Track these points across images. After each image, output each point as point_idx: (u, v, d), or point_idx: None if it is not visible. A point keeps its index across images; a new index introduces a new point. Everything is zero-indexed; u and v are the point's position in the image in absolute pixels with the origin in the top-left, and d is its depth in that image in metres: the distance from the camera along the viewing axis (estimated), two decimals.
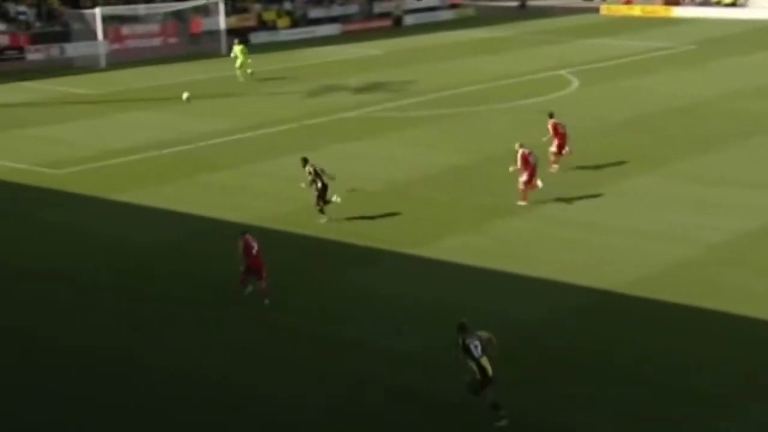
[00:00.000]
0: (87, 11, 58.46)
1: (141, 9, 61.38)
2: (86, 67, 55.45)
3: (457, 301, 22.69)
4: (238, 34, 63.85)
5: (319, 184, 28.62)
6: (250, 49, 62.12)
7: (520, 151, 29.34)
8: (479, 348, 17.47)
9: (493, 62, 56.80)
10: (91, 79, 52.45)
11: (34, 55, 57.70)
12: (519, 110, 43.07)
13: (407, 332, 21.30)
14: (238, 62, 51.61)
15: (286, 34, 68.32)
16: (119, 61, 56.56)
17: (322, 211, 28.87)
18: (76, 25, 59.70)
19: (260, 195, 31.28)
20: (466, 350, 17.44)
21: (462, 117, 40.11)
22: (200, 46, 60.83)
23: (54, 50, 58.07)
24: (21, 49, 57.53)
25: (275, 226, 28.25)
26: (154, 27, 63.28)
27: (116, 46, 60.16)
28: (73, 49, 58.20)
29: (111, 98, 47.32)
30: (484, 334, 17.64)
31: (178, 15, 63.47)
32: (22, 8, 59.42)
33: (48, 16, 60.63)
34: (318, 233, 27.73)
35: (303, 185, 28.61)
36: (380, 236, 27.21)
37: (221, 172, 33.91)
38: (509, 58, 58.58)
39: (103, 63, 56.49)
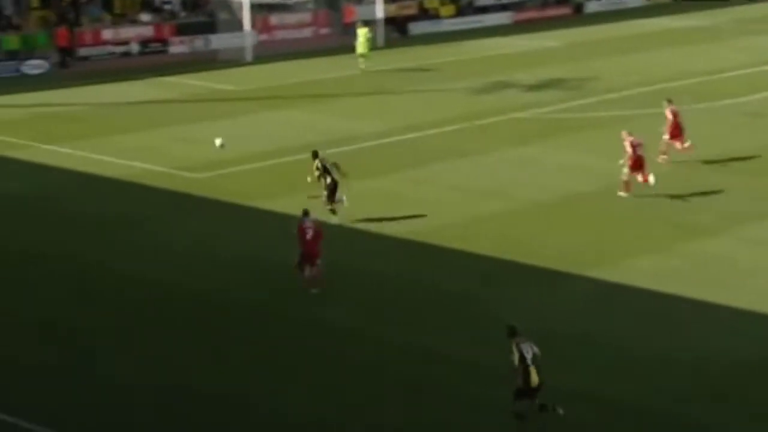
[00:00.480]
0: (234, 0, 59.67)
1: None
2: (231, 60, 56.38)
3: (648, 334, 21.89)
4: (395, 23, 63.93)
5: (329, 180, 29.18)
6: (408, 40, 62.18)
7: (628, 139, 30.84)
8: (530, 355, 18.59)
9: (689, 56, 55.36)
10: (236, 74, 53.27)
11: (178, 47, 59.03)
12: (719, 111, 41.84)
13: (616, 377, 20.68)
14: (362, 48, 52.33)
15: (449, 24, 68.03)
16: (266, 54, 57.22)
17: (333, 211, 29.27)
18: (222, 15, 60.84)
19: (419, 205, 31.32)
20: (520, 355, 18.59)
21: (650, 119, 38.94)
22: (353, 38, 61.05)
23: (198, 42, 59.28)
24: (164, 42, 59.03)
25: (436, 240, 28.24)
26: (305, 16, 63.88)
27: (264, 37, 60.97)
28: (219, 41, 59.32)
29: (256, 95, 47.89)
30: (534, 347, 18.72)
31: (331, 3, 63.96)
32: None
33: (193, 5, 62.05)
34: (485, 250, 27.48)
35: (309, 179, 29.45)
36: (555, 255, 26.90)
37: (376, 178, 34.09)
38: (708, 50, 56.97)
39: (249, 56, 57.33)
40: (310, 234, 24.11)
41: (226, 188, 33.17)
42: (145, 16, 59.81)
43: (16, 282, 26.33)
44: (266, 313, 24.03)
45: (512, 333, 18.90)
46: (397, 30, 64.18)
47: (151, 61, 56.39)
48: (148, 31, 58.82)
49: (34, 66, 53.32)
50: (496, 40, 62.43)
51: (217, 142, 31.83)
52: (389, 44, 60.05)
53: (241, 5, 57.85)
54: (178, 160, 36.46)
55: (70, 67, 54.08)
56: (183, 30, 59.73)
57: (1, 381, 21.14)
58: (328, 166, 29.45)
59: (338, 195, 29.42)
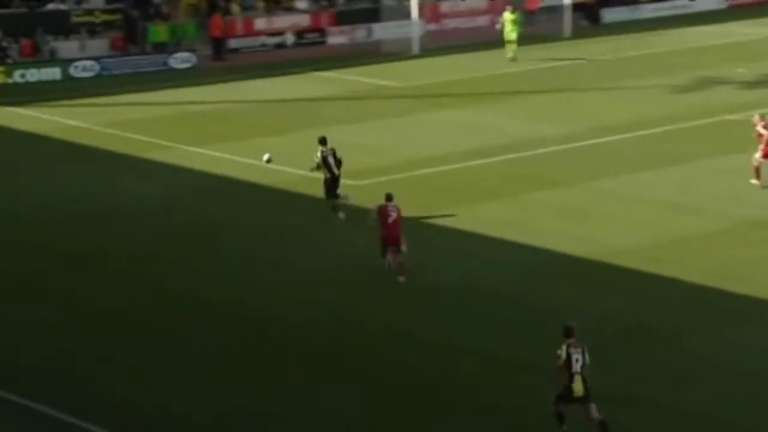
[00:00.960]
0: None
1: None
2: (395, 53, 56.14)
3: None
4: (585, 9, 62.56)
5: (328, 175, 30.58)
6: (600, 29, 60.81)
7: (761, 123, 32.56)
8: (579, 363, 19.47)
9: None
10: (401, 69, 53.06)
11: (337, 38, 59.04)
12: None
13: None
14: (513, 34, 52.80)
15: (651, 10, 66.33)
16: (435, 45, 56.79)
17: (334, 209, 30.77)
18: (386, 2, 60.76)
19: (607, 221, 30.85)
20: (567, 358, 19.49)
21: None
22: (536, 26, 59.94)
23: (360, 32, 59.22)
24: (322, 32, 59.24)
25: (630, 263, 27.59)
26: (480, 3, 63.44)
27: (432, 26, 60.70)
28: (382, 31, 59.23)
29: (423, 92, 47.57)
30: (586, 354, 19.54)
31: None
32: None
33: None
34: (689, 277, 26.53)
35: (310, 171, 31.11)
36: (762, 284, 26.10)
37: (557, 189, 33.61)
38: None
39: (416, 48, 56.91)
40: (392, 217, 26.31)
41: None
42: (301, 4, 60.29)
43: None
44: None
45: (567, 333, 19.75)
46: (586, 17, 62.73)
47: (307, 53, 56.66)
48: (304, 20, 59.33)
49: (181, 59, 54.11)
50: (706, 28, 61.07)
51: (265, 157, 31.89)
52: (577, 34, 59.30)
53: None
54: None
55: (225, 60, 54.78)
56: (343, 19, 60.02)
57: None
58: (328, 157, 30.57)
59: (340, 191, 30.89)
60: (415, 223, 30.06)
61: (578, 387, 19.38)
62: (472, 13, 63.16)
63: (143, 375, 22.59)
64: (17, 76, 50.70)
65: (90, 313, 25.71)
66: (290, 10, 59.61)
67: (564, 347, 19.52)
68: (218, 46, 55.57)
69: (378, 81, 50.12)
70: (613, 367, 21.91)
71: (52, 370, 22.78)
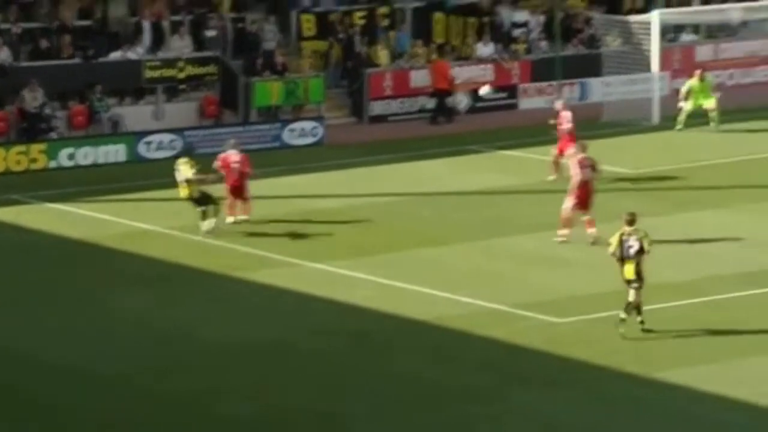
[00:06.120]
0: None
1: None
2: (627, 123, 56.65)
3: None
4: None
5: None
6: None
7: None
8: (633, 249, 32.31)
9: None
10: (632, 146, 54.25)
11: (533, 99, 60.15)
12: None
13: None
14: (689, 103, 55.98)
15: None
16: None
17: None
18: (612, 45, 61.42)
19: None
20: (619, 246, 32.66)
21: None
22: None
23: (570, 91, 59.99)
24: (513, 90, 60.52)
25: None
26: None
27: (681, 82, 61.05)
28: (605, 89, 59.72)
29: (661, 184, 48.78)
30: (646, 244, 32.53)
31: None
32: None
33: None
34: None
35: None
36: None
37: None
38: None
39: (656, 116, 57.60)
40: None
41: None
42: (485, 49, 61.08)
43: None
44: None
45: (629, 222, 32.94)
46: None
47: (488, 121, 57.70)
48: (485, 73, 60.10)
49: (303, 132, 55.46)
50: None
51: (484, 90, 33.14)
52: None
53: None
54: None
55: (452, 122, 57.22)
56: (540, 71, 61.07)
57: None
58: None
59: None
60: None
61: (629, 270, 32.43)
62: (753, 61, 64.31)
63: None
64: (64, 158, 51.86)
65: None
66: (467, 59, 60.96)
67: (617, 235, 32.56)
68: (442, 102, 57.69)
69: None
70: None
71: None
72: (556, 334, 34.10)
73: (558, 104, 50.14)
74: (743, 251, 40.69)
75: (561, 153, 47.47)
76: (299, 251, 41.39)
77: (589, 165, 41.56)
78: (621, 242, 32.42)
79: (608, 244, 33.05)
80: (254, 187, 44.58)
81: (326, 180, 50.18)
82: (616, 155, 51.78)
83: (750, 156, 52.17)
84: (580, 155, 42.02)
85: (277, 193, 47.67)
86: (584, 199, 40.97)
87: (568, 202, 41.09)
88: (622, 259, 32.46)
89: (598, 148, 51.98)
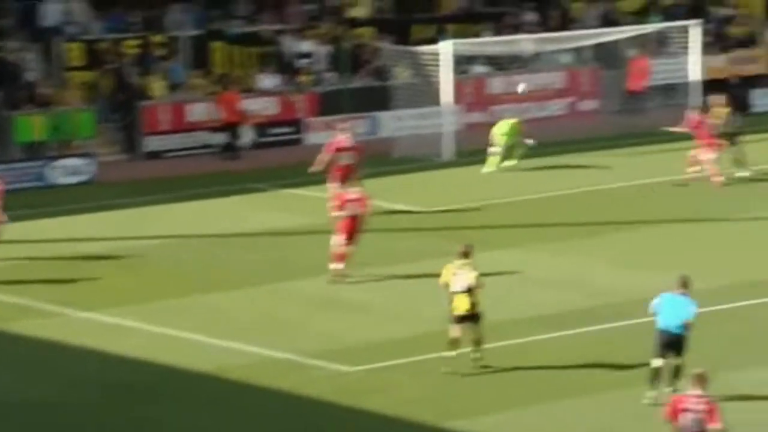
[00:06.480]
0: None
1: None
2: (415, 159, 56.49)
3: None
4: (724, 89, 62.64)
5: None
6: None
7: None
8: (465, 283, 33.01)
9: None
10: (423, 184, 54.38)
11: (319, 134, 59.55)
12: None
13: None
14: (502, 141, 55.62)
15: None
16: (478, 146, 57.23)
17: None
18: (401, 76, 61.42)
19: None
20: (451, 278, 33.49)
21: None
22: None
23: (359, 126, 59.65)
24: (297, 124, 60.52)
25: None
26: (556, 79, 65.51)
27: (476, 116, 61.26)
28: (393, 123, 59.68)
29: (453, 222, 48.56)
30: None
31: None
32: None
33: None
34: None
35: None
36: None
37: None
38: None
39: (448, 152, 57.42)
40: None
41: None
42: (266, 81, 60.51)
43: None
44: None
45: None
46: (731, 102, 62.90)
47: (270, 157, 56.92)
48: (270, 106, 59.75)
49: (69, 170, 54.57)
50: None
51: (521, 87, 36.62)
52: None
53: None
54: None
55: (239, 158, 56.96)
56: (329, 105, 60.59)
57: None
58: None
59: None
60: None
61: (461, 304, 33.01)
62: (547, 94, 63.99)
63: None
64: None
65: None
66: (250, 91, 60.37)
67: (449, 267, 33.41)
68: (233, 137, 57.69)
69: (387, 203, 50.18)
70: None
71: None
72: (346, 383, 33.81)
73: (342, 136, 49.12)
74: (538, 293, 40.79)
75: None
76: (65, 299, 40.54)
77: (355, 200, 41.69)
78: (453, 275, 33.26)
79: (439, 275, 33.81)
80: (16, 230, 43.94)
81: (96, 221, 49.55)
82: (405, 193, 52.65)
83: (543, 194, 52.42)
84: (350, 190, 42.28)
85: (41, 237, 47.18)
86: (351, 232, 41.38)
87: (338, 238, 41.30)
88: (454, 293, 33.14)
89: (388, 185, 52.17)
